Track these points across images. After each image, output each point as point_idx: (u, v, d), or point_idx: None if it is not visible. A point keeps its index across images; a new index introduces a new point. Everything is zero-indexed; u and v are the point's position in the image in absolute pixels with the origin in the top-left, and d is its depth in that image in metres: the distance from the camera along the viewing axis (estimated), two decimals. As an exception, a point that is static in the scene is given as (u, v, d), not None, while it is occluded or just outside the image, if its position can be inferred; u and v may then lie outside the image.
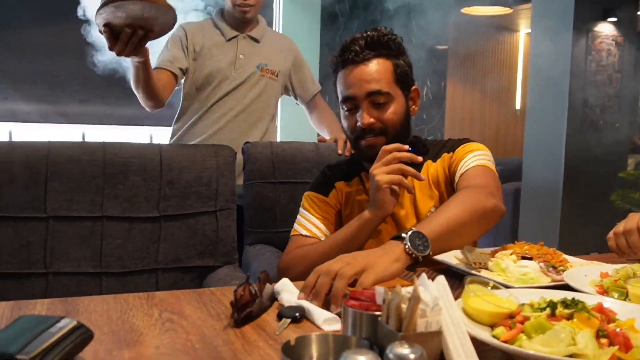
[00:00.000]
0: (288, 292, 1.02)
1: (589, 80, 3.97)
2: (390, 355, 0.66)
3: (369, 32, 1.40)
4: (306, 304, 0.97)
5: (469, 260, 1.25)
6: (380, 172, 1.27)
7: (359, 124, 1.39)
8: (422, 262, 1.13)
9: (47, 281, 1.45)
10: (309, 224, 1.45)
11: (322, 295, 0.99)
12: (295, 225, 1.48)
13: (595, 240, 3.87)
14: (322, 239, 1.43)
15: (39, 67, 3.41)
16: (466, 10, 5.62)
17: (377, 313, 0.77)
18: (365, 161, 1.45)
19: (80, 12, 2.16)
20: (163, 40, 1.92)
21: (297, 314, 0.93)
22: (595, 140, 3.95)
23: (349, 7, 4.15)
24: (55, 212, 1.47)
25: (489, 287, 0.93)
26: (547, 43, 4.04)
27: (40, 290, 1.44)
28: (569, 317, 0.80)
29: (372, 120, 1.38)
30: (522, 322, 0.81)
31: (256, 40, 2.20)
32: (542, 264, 1.19)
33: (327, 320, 0.92)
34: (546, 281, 1.13)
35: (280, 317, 0.93)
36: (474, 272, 1.20)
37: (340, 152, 1.95)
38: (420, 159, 1.30)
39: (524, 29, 6.85)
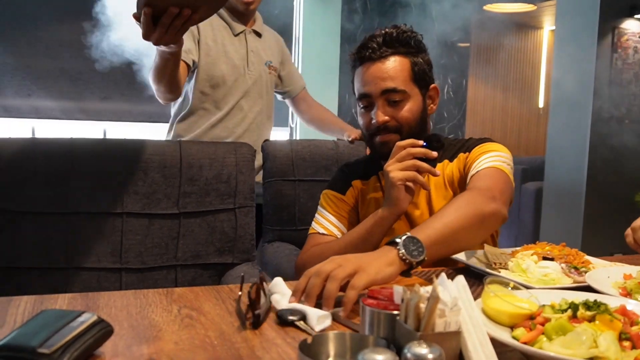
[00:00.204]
0: (280, 293, 0.99)
1: (614, 78, 3.90)
2: (409, 355, 0.66)
3: (387, 29, 1.40)
4: (298, 305, 0.94)
5: (489, 260, 1.24)
6: (395, 169, 1.26)
7: (373, 121, 1.38)
8: (418, 266, 1.08)
9: (68, 276, 1.47)
10: (327, 222, 1.45)
11: (314, 298, 0.96)
12: (313, 224, 1.48)
13: (619, 242, 3.80)
14: (339, 237, 1.43)
15: (61, 63, 3.46)
16: (489, 7, 5.56)
17: (395, 312, 0.77)
18: (380, 158, 1.44)
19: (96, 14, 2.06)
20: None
21: (297, 317, 0.90)
22: (619, 140, 3.88)
23: (369, 4, 4.13)
24: (76, 208, 1.48)
25: (509, 288, 0.92)
26: (572, 40, 3.98)
27: (61, 285, 1.46)
28: (591, 319, 0.79)
29: (386, 118, 1.37)
30: (542, 324, 0.80)
31: (259, 35, 2.12)
32: (563, 265, 1.17)
33: (320, 319, 0.89)
34: (568, 282, 1.11)
35: (279, 318, 0.91)
36: (494, 272, 1.18)
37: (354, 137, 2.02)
38: (435, 154, 1.28)
39: (547, 26, 6.76)
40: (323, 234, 1.44)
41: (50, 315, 0.78)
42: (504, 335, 0.80)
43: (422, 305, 0.72)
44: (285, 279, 1.05)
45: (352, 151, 1.95)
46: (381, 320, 0.78)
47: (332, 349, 0.76)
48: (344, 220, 1.46)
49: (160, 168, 1.54)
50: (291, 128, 3.92)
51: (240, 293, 1.01)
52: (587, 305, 0.81)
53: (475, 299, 0.91)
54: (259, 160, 1.92)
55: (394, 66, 1.38)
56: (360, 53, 1.40)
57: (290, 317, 0.90)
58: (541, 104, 6.88)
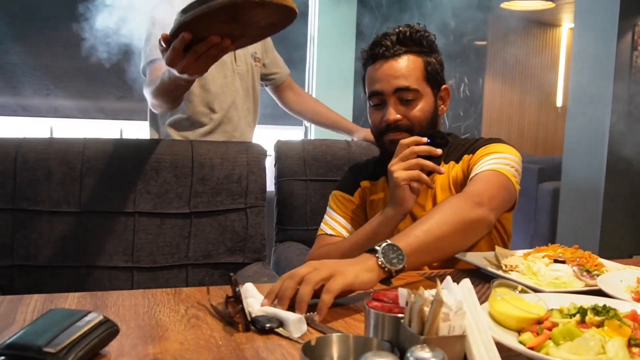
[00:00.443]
0: (253, 297, 0.97)
1: (634, 76, 3.84)
2: (411, 359, 0.65)
3: (401, 28, 1.39)
4: (271, 309, 0.92)
5: (500, 262, 1.23)
6: (398, 169, 1.25)
7: (384, 119, 1.37)
8: (398, 274, 1.05)
9: (81, 274, 1.49)
10: (335, 223, 1.45)
11: (287, 300, 0.93)
12: (322, 225, 1.48)
13: (638, 243, 3.75)
14: (347, 238, 1.42)
15: (79, 63, 3.50)
16: (506, 4, 5.51)
17: (400, 315, 0.76)
18: (388, 157, 1.43)
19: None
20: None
21: (276, 325, 0.88)
22: (639, 139, 3.82)
23: (385, 2, 4.12)
24: (89, 207, 1.50)
25: (517, 291, 0.91)
26: (591, 38, 3.92)
27: (74, 283, 1.48)
28: (600, 325, 0.78)
29: (398, 116, 1.36)
30: (550, 329, 0.79)
31: None
32: (575, 268, 1.16)
33: (294, 324, 0.88)
34: (579, 286, 1.10)
35: (254, 323, 0.89)
36: (504, 274, 1.17)
37: None
38: (439, 151, 1.26)
39: (567, 23, 6.68)
40: (331, 235, 1.44)
41: (57, 314, 0.79)
42: (511, 340, 0.80)
43: (426, 309, 0.72)
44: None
45: (364, 151, 1.94)
46: (385, 323, 0.78)
47: (335, 351, 0.75)
48: (352, 221, 1.46)
49: (172, 168, 1.55)
50: (306, 127, 3.92)
51: (230, 295, 1.00)
52: (595, 310, 0.79)
53: (484, 301, 0.90)
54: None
55: (407, 65, 1.37)
56: (373, 50, 1.39)
57: (268, 325, 0.88)
58: (559, 103, 6.80)
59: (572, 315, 0.81)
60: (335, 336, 0.76)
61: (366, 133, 2.06)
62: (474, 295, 0.79)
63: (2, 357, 0.71)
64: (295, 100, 2.18)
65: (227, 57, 1.82)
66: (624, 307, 0.86)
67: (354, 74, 3.98)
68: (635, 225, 3.58)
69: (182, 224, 1.55)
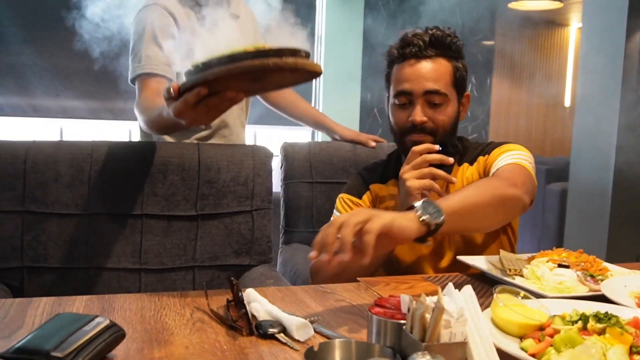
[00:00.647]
0: (256, 301, 0.98)
1: (642, 77, 3.82)
2: (412, 366, 0.66)
3: (433, 30, 1.39)
4: (277, 312, 0.94)
5: (504, 266, 1.23)
6: (411, 177, 1.25)
7: (410, 119, 1.37)
8: (436, 231, 1.00)
9: (89, 276, 1.50)
10: None
11: (331, 247, 0.91)
12: None
13: (646, 245, 3.73)
14: None
15: (88, 64, 3.52)
16: (514, 4, 5.49)
17: (402, 321, 0.77)
18: (400, 160, 1.43)
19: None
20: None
21: (278, 330, 0.90)
22: (648, 140, 3.79)
23: (392, 1, 4.11)
24: (97, 210, 1.51)
25: (519, 297, 0.91)
26: (599, 38, 3.90)
27: (83, 285, 1.49)
28: (601, 332, 0.78)
29: (425, 118, 1.37)
30: (551, 335, 0.79)
31: (237, 17, 1.80)
32: (579, 273, 1.16)
33: (299, 329, 0.89)
34: (583, 291, 1.10)
35: (257, 328, 0.90)
36: (508, 278, 1.18)
37: (374, 144, 1.95)
38: (451, 160, 1.27)
39: (575, 23, 6.64)
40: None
41: (64, 318, 0.80)
42: (513, 346, 0.80)
43: (428, 316, 0.72)
44: (303, 281, 1.05)
45: (370, 153, 1.95)
46: (387, 329, 0.78)
47: (337, 357, 0.76)
48: None
49: (179, 170, 1.56)
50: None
51: (231, 299, 1.01)
52: (597, 317, 0.80)
53: (488, 305, 0.91)
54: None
55: (438, 68, 1.37)
56: (405, 49, 1.39)
57: (271, 330, 0.89)
58: (567, 103, 6.77)
59: (574, 322, 0.81)
60: (337, 342, 0.77)
61: (349, 133, 2.02)
62: (475, 301, 0.80)
63: (11, 362, 0.73)
64: (277, 93, 2.04)
65: None
66: (626, 313, 0.86)
67: (360, 77, 3.98)
68: (644, 227, 3.56)
69: (189, 226, 1.56)
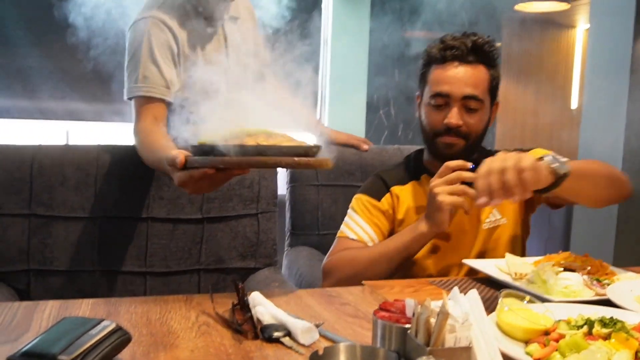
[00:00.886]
0: (261, 305, 0.98)
1: (649, 79, 3.80)
2: (417, 370, 0.66)
3: (474, 37, 1.41)
4: (282, 316, 0.94)
5: (510, 270, 1.23)
6: (443, 192, 1.26)
7: (445, 121, 1.39)
8: (562, 181, 1.09)
9: (95, 279, 1.51)
10: (358, 228, 1.44)
11: (499, 191, 1.03)
12: (343, 227, 1.47)
13: (654, 249, 3.70)
14: (369, 244, 1.42)
15: (94, 66, 3.54)
16: (520, 6, 5.47)
17: (407, 326, 0.77)
18: (437, 159, 1.42)
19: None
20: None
21: (282, 333, 0.90)
22: (655, 142, 3.77)
23: (399, 3, 4.11)
24: (103, 213, 1.52)
25: (525, 302, 0.91)
26: (606, 39, 3.89)
27: (89, 287, 1.50)
28: (607, 337, 0.78)
29: (461, 122, 1.39)
30: (557, 340, 0.79)
31: (236, 19, 1.72)
32: (585, 277, 1.15)
33: (304, 333, 0.89)
34: (589, 295, 1.09)
35: (263, 333, 0.90)
36: (514, 283, 1.17)
37: (367, 147, 1.96)
38: None
39: (582, 25, 6.62)
40: (353, 239, 1.43)
41: (70, 322, 0.81)
42: (518, 351, 0.80)
43: (432, 320, 0.72)
44: (308, 284, 1.05)
45: (375, 156, 1.95)
46: (392, 334, 0.78)
47: (342, 361, 0.76)
48: (376, 228, 1.45)
49: (184, 173, 1.56)
50: (320, 132, 3.93)
51: (236, 302, 1.01)
52: (603, 322, 0.80)
53: (493, 309, 0.91)
54: None
55: (478, 74, 1.40)
56: (447, 52, 1.40)
57: (276, 334, 0.89)
58: (574, 105, 6.75)
59: (579, 327, 0.81)
60: (342, 346, 0.77)
61: (341, 136, 2.00)
62: (480, 306, 0.80)
63: (18, 365, 0.73)
64: None
65: (219, 68, 1.49)
66: (632, 318, 0.86)
67: (366, 78, 3.97)
68: (651, 230, 3.54)
69: (194, 230, 1.57)
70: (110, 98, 3.64)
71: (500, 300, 0.88)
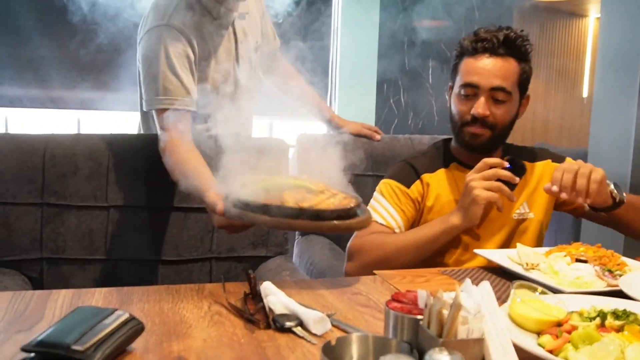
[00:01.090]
0: (273, 294, 0.98)
1: (663, 67, 3.75)
2: (429, 361, 0.66)
3: (507, 30, 1.43)
4: (294, 305, 0.94)
5: (521, 260, 1.23)
6: (479, 186, 1.30)
7: (473, 111, 1.41)
8: (617, 207, 1.36)
9: (108, 267, 1.52)
10: (385, 212, 1.44)
11: (572, 189, 1.25)
12: (370, 209, 1.46)
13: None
14: (395, 230, 1.43)
15: (105, 56, 3.54)
16: (532, -6, 5.42)
17: (419, 317, 0.77)
18: (463, 148, 1.46)
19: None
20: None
21: (295, 323, 0.90)
22: (667, 131, 3.74)
23: (408, -5, 4.07)
24: (115, 202, 1.53)
25: (537, 293, 0.91)
26: (618, 28, 3.84)
27: (102, 276, 1.52)
28: (620, 329, 0.77)
29: (487, 112, 1.40)
30: (569, 332, 0.79)
31: (245, 15, 1.69)
32: (597, 268, 1.15)
33: (316, 323, 0.90)
34: (601, 286, 1.09)
35: (275, 322, 0.91)
36: (525, 273, 1.17)
37: (379, 137, 1.97)
38: (518, 180, 1.33)
39: (593, 13, 6.54)
40: (381, 224, 1.43)
41: (84, 312, 0.82)
42: (530, 342, 0.80)
43: (445, 312, 0.72)
44: (319, 273, 1.05)
45: (385, 146, 1.94)
46: (405, 325, 0.78)
47: (355, 351, 0.77)
48: (402, 214, 1.45)
49: (195, 163, 1.56)
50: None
51: (248, 292, 1.01)
52: (615, 315, 0.79)
53: (505, 300, 0.91)
54: None
55: (508, 67, 1.42)
56: (478, 44, 1.43)
57: (288, 324, 0.90)
58: (585, 94, 6.69)
59: (592, 319, 0.81)
60: (354, 336, 0.77)
61: (352, 126, 1.98)
62: (493, 297, 0.80)
63: (32, 354, 0.74)
64: (281, 74, 1.92)
65: (228, 65, 1.65)
66: (645, 310, 0.86)
67: (376, 69, 3.95)
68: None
69: (206, 218, 1.57)
70: (121, 86, 3.65)
71: (512, 291, 0.87)
